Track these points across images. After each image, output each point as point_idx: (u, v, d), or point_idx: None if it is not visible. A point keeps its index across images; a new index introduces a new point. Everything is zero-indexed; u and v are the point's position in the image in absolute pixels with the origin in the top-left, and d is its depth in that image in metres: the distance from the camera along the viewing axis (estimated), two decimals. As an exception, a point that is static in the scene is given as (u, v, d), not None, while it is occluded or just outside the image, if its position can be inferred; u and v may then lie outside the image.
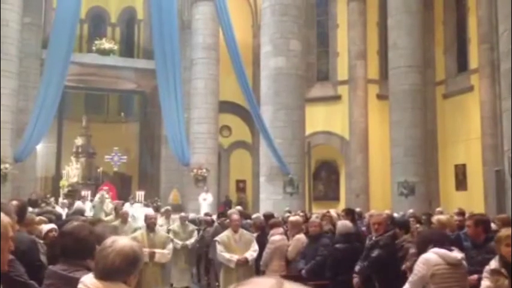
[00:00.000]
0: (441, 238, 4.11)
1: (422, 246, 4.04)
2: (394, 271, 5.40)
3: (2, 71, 14.84)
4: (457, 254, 4.02)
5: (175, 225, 10.07)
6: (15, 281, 2.24)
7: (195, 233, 9.82)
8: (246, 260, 6.79)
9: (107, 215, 13.60)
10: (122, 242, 2.09)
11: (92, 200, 17.58)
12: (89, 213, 13.36)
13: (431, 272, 3.85)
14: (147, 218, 7.22)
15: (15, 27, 15.81)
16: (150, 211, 14.62)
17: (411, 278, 4.00)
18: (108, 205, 15.27)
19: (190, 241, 9.64)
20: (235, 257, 6.76)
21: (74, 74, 19.83)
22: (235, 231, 6.96)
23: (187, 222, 9.93)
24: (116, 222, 9.30)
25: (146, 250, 6.59)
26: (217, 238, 7.03)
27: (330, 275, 5.91)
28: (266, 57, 14.78)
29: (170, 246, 7.24)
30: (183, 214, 10.50)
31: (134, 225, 9.57)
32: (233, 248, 6.85)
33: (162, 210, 12.94)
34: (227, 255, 6.77)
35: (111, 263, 2.02)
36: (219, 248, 6.86)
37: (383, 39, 19.36)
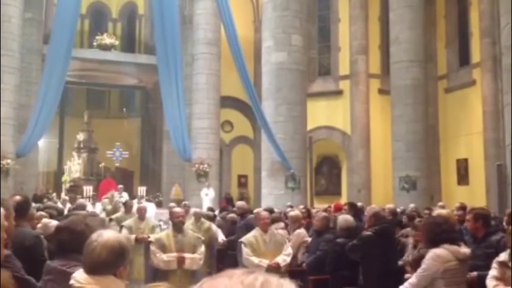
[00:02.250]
0: (452, 234, 4.11)
1: (433, 242, 4.03)
2: (381, 266, 5.38)
3: (4, 67, 14.87)
4: (465, 250, 4.08)
5: (189, 222, 8.74)
6: (12, 276, 2.25)
7: (215, 229, 8.59)
8: (278, 266, 5.78)
9: (108, 213, 12.44)
10: (107, 234, 2.11)
11: (92, 197, 17.63)
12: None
13: (444, 268, 3.90)
14: (173, 216, 5.92)
15: (17, 22, 15.82)
16: (152, 206, 14.62)
17: (420, 272, 3.99)
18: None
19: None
20: (264, 262, 5.74)
21: (75, 69, 19.84)
22: (265, 231, 5.98)
23: (202, 218, 8.77)
24: (131, 220, 8.20)
25: (173, 255, 5.59)
26: (243, 239, 5.98)
27: (330, 270, 5.92)
28: (267, 52, 14.76)
29: (202, 249, 5.91)
30: (197, 210, 9.50)
31: (152, 223, 8.49)
32: (262, 251, 5.87)
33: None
34: (255, 260, 5.74)
35: (98, 256, 2.04)
36: (246, 251, 5.83)
37: (385, 34, 19.31)
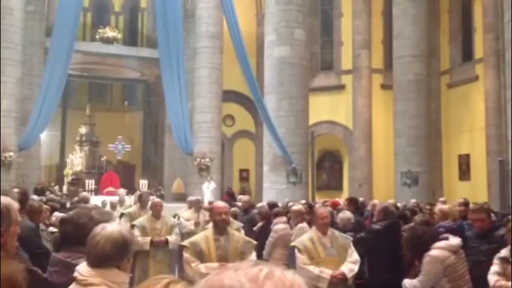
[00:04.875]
0: (429, 232, 4.16)
1: (420, 251, 4.06)
2: (388, 260, 5.43)
3: (6, 60, 14.89)
4: (456, 241, 4.11)
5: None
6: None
7: (242, 232, 7.38)
8: (345, 277, 4.56)
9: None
10: (110, 227, 2.12)
11: (94, 190, 17.64)
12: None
13: (444, 266, 3.95)
14: (214, 213, 4.35)
15: (19, 15, 15.81)
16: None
17: (421, 278, 4.03)
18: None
19: None
20: (327, 272, 4.51)
21: (78, 62, 19.84)
22: (324, 233, 4.72)
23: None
24: (143, 219, 6.78)
25: (215, 266, 4.05)
26: (295, 243, 4.78)
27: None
28: (270, 47, 14.75)
29: (253, 256, 4.44)
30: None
31: (170, 222, 7.00)
32: (322, 257, 4.64)
33: (190, 199, 10.28)
34: (315, 270, 4.52)
35: (101, 249, 2.04)
36: (301, 258, 4.61)
37: (388, 29, 19.26)
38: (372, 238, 5.49)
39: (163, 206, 7.02)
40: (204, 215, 8.56)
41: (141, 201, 7.98)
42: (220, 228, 4.23)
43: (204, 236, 4.29)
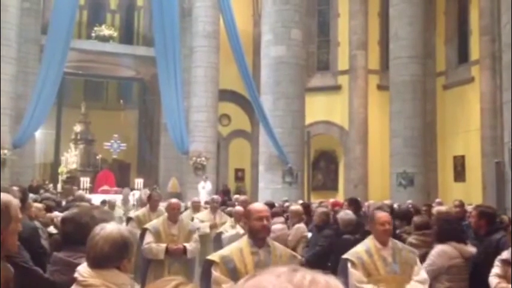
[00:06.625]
0: (460, 234, 4.18)
1: (441, 238, 4.09)
2: None
3: (1, 57, 14.78)
4: (472, 249, 4.15)
5: (227, 224, 6.51)
6: (20, 266, 2.25)
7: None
8: None
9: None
10: (109, 228, 2.10)
11: (89, 188, 17.56)
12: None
13: (449, 264, 3.97)
14: (252, 218, 3.24)
15: (15, 12, 15.72)
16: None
17: (424, 267, 4.04)
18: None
19: None
20: None
21: (73, 60, 19.74)
22: (384, 244, 3.74)
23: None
24: (158, 222, 5.69)
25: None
26: (348, 256, 3.78)
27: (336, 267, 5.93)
28: (267, 46, 14.74)
29: None
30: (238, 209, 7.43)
31: (188, 226, 5.90)
32: (382, 275, 3.66)
33: (196, 199, 9.78)
34: None
35: (100, 250, 2.03)
36: (357, 275, 3.65)
37: (384, 30, 19.29)
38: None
39: (180, 207, 5.93)
40: (221, 216, 7.97)
41: (151, 202, 6.81)
42: (260, 238, 3.24)
43: (238, 249, 3.23)
